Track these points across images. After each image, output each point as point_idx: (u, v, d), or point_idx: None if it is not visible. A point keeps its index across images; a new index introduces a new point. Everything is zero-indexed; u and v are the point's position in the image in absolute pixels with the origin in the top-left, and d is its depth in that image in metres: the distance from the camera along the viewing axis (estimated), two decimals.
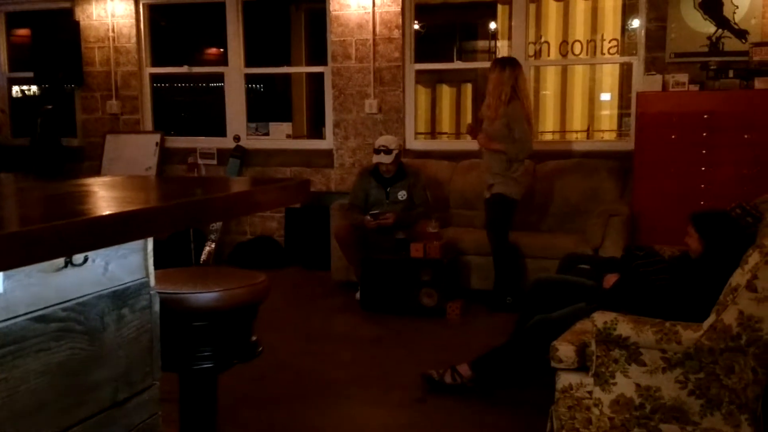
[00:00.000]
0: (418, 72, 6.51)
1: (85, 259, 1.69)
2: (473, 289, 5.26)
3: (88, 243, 1.52)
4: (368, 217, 5.24)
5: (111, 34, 6.76)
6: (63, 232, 1.41)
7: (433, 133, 8.33)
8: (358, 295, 5.20)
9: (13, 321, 1.55)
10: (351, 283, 5.43)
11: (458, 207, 5.86)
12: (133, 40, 6.76)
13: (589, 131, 8.15)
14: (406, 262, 4.99)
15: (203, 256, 6.47)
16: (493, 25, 8.34)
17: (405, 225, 5.24)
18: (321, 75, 6.68)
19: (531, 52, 6.33)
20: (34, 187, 2.31)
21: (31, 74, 6.91)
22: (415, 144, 6.44)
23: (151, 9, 6.88)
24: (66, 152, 6.85)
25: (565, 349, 2.72)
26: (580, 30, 7.80)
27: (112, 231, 1.55)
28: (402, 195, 5.40)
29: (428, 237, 5.03)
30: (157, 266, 1.99)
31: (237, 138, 6.71)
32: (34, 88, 7.59)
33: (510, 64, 4.99)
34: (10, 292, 1.53)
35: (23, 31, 7.34)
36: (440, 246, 4.97)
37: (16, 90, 7.63)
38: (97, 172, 6.71)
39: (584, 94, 8.14)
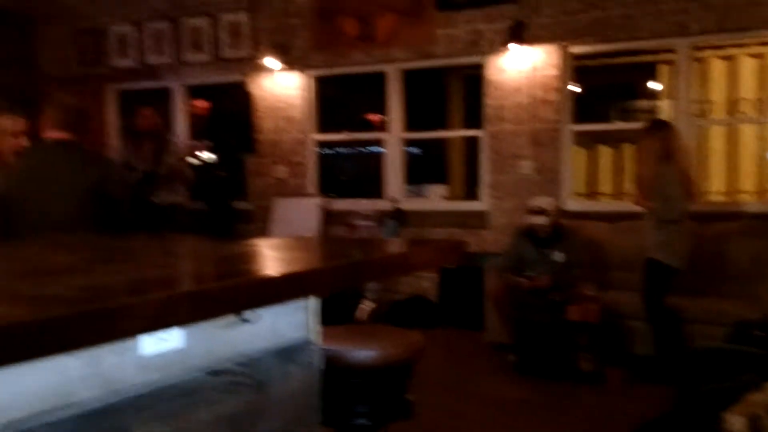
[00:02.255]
0: (576, 133, 6.45)
1: (255, 317, 1.81)
2: (635, 354, 5.05)
3: (256, 301, 1.64)
4: (523, 279, 5.19)
5: (280, 104, 7.21)
6: (233, 290, 1.53)
7: (591, 193, 8.16)
8: (512, 357, 5.13)
9: (191, 375, 1.67)
10: (505, 345, 5.37)
11: (618, 269, 5.66)
12: (300, 109, 7.17)
13: (760, 192, 7.67)
14: (563, 324, 4.89)
15: (359, 313, 6.63)
16: (653, 85, 8.13)
17: (561, 287, 5.15)
18: (477, 138, 6.77)
19: (695, 111, 6.11)
20: (208, 247, 2.50)
21: (208, 142, 7.46)
22: (572, 205, 6.34)
23: (318, 80, 7.28)
24: (237, 215, 7.30)
25: (736, 421, 2.55)
26: (747, 88, 7.44)
27: (277, 290, 1.66)
28: (558, 256, 5.32)
29: (586, 299, 4.91)
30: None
31: (395, 200, 6.89)
32: (210, 154, 8.16)
33: (660, 125, 4.94)
34: (189, 346, 1.66)
35: (201, 103, 7.96)
36: (598, 309, 4.83)
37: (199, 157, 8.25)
38: (265, 233, 7.09)
39: (754, 153, 7.70)
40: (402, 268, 2.14)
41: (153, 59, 7.68)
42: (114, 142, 6.93)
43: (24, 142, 3.46)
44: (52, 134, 3.31)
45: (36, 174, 3.27)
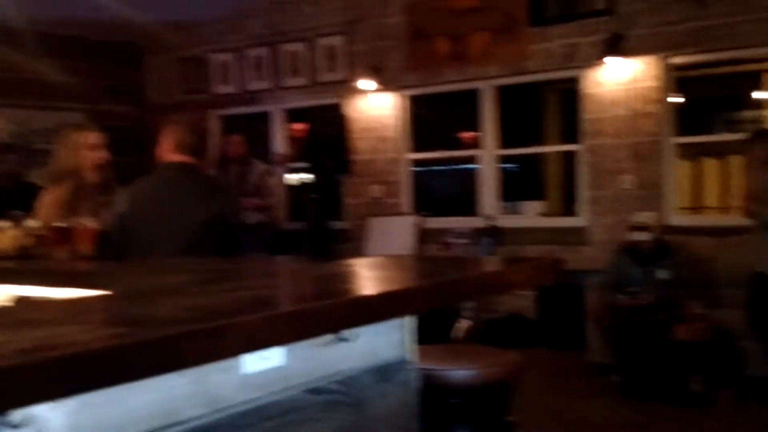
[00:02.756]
0: (678, 146, 6.24)
1: (352, 335, 1.83)
2: (746, 375, 4.81)
3: (353, 320, 1.65)
4: (623, 296, 5.04)
5: (375, 125, 7.30)
6: (332, 310, 1.55)
7: (696, 207, 7.85)
8: (616, 378, 4.97)
9: (291, 392, 1.70)
10: (608, 366, 5.21)
11: (726, 286, 5.41)
12: (395, 129, 7.23)
13: None
14: (669, 344, 4.71)
15: (456, 332, 6.58)
16: (758, 95, 7.79)
17: (666, 305, 4.96)
18: (574, 152, 6.65)
19: None
20: (306, 268, 2.55)
21: (305, 164, 7.61)
22: (676, 220, 6.12)
23: (412, 99, 7.32)
24: (334, 234, 7.41)
25: None
26: None
27: (374, 309, 1.67)
28: (662, 274, 5.14)
29: (693, 318, 4.72)
30: None
31: (490, 218, 6.83)
32: (307, 175, 8.32)
33: (765, 134, 4.76)
34: (290, 364, 1.70)
35: (299, 126, 8.14)
36: (707, 328, 4.64)
37: (296, 178, 8.44)
38: (360, 252, 7.16)
39: None
40: (498, 287, 2.12)
41: (253, 85, 7.92)
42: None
43: (104, 155, 3.53)
44: (173, 157, 3.30)
45: (157, 196, 3.26)
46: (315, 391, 1.74)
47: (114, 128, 7.73)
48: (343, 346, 1.81)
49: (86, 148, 3.51)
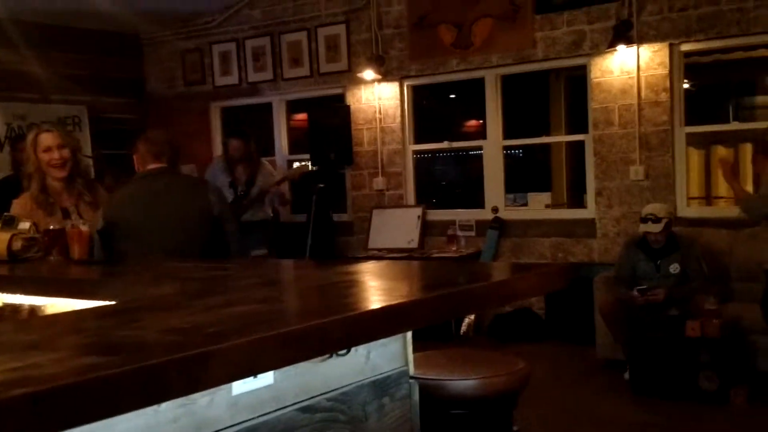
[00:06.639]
0: (690, 135, 6.11)
1: (349, 350, 1.73)
2: (760, 371, 4.71)
3: (350, 341, 1.56)
4: (636, 293, 4.93)
5: (378, 115, 7.18)
6: (329, 329, 1.45)
7: (708, 198, 7.72)
8: (627, 375, 4.87)
9: (282, 411, 1.61)
10: (618, 362, 5.10)
11: (740, 280, 5.30)
12: (398, 120, 7.12)
13: None
14: (681, 341, 4.60)
15: (463, 328, 6.50)
16: None
17: (678, 301, 4.86)
18: (582, 142, 6.53)
19: None
20: (302, 275, 2.46)
21: (307, 156, 7.53)
22: (687, 211, 6.00)
23: (414, 90, 7.21)
24: (337, 227, 7.32)
25: None
26: None
27: (373, 327, 1.58)
28: (674, 268, 5.03)
29: (706, 314, 4.61)
30: (417, 337, 1.98)
31: (495, 209, 6.73)
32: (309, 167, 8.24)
33: None
34: (279, 382, 1.60)
35: (301, 116, 8.05)
36: (720, 324, 4.52)
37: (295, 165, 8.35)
38: (364, 245, 7.07)
39: None
40: (505, 297, 2.02)
41: (254, 76, 7.81)
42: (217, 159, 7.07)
43: (59, 155, 3.49)
44: (149, 165, 3.39)
45: (140, 200, 3.33)
46: (308, 409, 1.67)
47: (115, 120, 7.78)
48: (337, 360, 1.72)
49: (40, 150, 3.50)
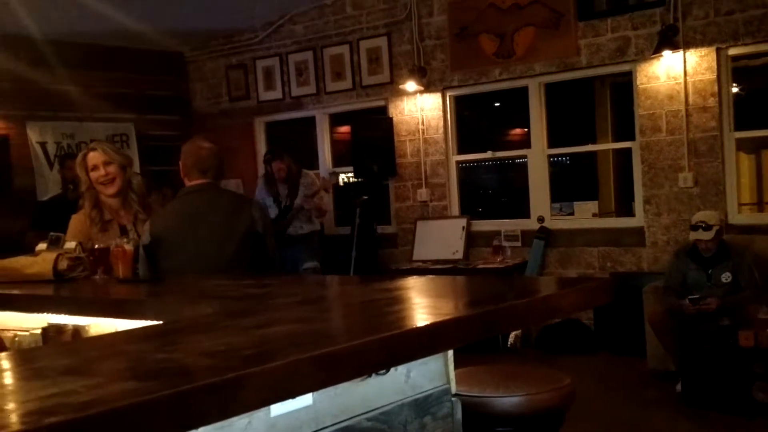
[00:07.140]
0: (740, 140, 5.95)
1: (388, 369, 1.71)
2: None
3: (390, 360, 1.54)
4: (687, 302, 4.81)
5: (420, 126, 7.17)
6: (366, 350, 1.43)
7: (760, 204, 7.51)
8: (678, 387, 4.75)
9: None
10: (670, 373, 4.98)
11: None
12: (441, 131, 7.09)
13: None
14: (734, 351, 4.47)
15: (511, 339, 6.42)
16: None
17: (730, 310, 4.72)
18: (628, 150, 6.41)
19: None
20: (344, 292, 2.44)
21: (350, 168, 7.54)
22: (738, 218, 5.84)
23: (456, 100, 7.18)
24: (381, 239, 7.31)
25: None
26: None
27: (418, 345, 1.56)
28: (726, 277, 4.89)
29: (758, 323, 4.48)
30: (464, 349, 1.94)
31: (541, 219, 6.65)
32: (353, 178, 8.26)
33: None
34: (318, 403, 1.59)
35: (344, 129, 8.08)
36: None
37: (341, 178, 8.40)
38: (409, 257, 7.04)
39: None
40: (547, 313, 1.98)
41: (297, 90, 7.87)
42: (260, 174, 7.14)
43: (104, 173, 3.54)
44: (193, 180, 3.38)
45: (185, 219, 3.32)
46: (348, 429, 1.65)
47: (161, 137, 7.91)
48: (377, 379, 1.70)
49: (89, 169, 3.57)
